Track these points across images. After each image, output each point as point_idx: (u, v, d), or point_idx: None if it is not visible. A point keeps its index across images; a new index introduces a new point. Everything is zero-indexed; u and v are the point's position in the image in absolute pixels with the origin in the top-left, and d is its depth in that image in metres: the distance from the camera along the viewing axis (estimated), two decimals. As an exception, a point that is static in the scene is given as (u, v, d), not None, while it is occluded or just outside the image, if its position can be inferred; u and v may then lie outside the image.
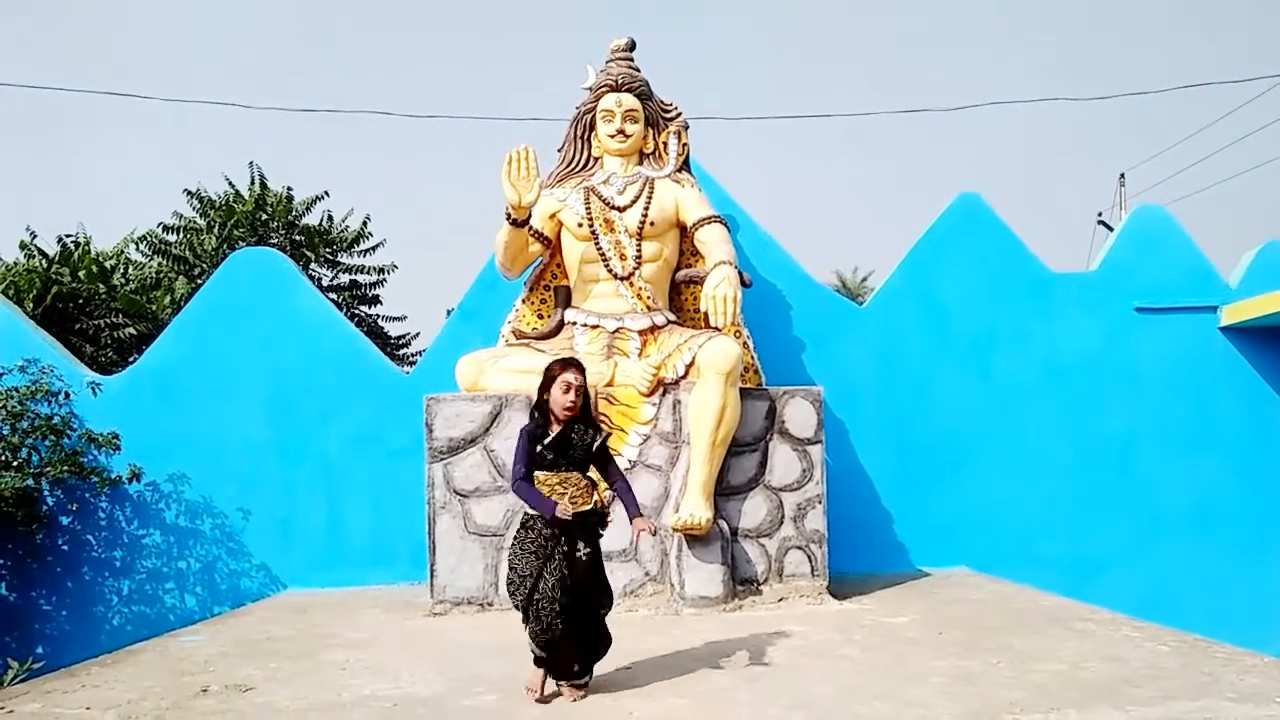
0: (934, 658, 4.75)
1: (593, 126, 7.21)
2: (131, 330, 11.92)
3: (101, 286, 12.15)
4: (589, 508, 4.12)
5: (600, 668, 4.40)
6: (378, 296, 15.43)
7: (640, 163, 7.20)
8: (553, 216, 7.06)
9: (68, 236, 12.71)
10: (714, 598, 6.03)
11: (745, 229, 8.08)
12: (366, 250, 15.27)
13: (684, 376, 6.35)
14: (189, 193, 14.28)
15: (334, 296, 14.68)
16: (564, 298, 7.13)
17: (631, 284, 6.85)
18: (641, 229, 6.86)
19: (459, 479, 6.32)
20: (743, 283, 6.50)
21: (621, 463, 6.28)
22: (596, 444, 4.21)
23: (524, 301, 7.37)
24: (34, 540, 7.43)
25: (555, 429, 4.14)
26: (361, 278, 15.18)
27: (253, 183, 14.52)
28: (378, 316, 15.50)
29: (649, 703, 4.07)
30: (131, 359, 10.34)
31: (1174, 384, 8.17)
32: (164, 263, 14.13)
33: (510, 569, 4.15)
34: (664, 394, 6.40)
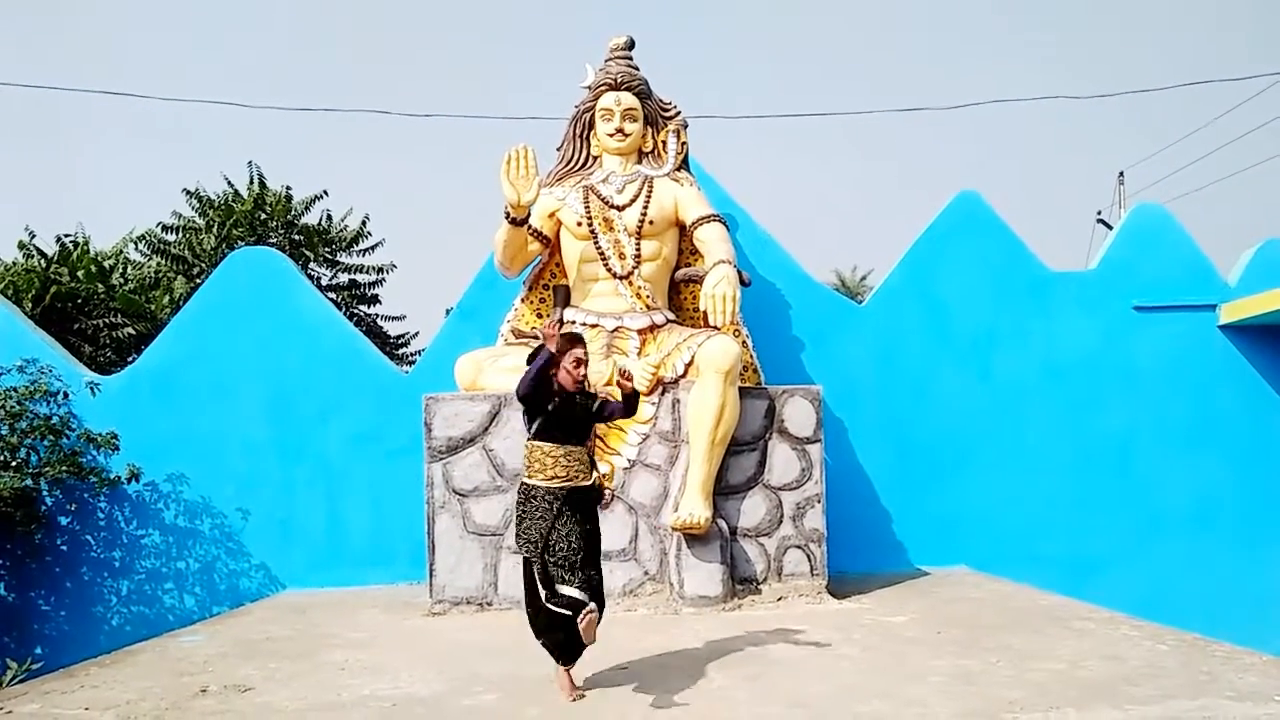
0: (933, 657, 4.75)
1: (592, 125, 7.21)
2: (130, 330, 11.90)
3: (100, 286, 12.13)
4: (588, 484, 4.21)
5: (599, 668, 4.40)
6: (377, 296, 15.41)
7: (639, 161, 7.19)
8: (552, 215, 7.06)
9: (66, 236, 12.69)
10: (713, 597, 6.03)
11: (744, 228, 8.08)
12: (365, 250, 15.25)
13: (683, 375, 6.35)
14: (188, 192, 14.26)
15: (333, 296, 14.66)
16: (563, 297, 7.12)
17: (630, 283, 6.85)
18: (640, 228, 6.86)
19: (458, 478, 6.32)
20: (742, 282, 6.49)
21: (620, 462, 6.31)
22: (595, 406, 4.30)
23: (523, 301, 7.37)
24: (33, 540, 7.42)
25: (557, 398, 4.18)
26: (360, 277, 15.15)
27: (251, 182, 14.49)
28: (377, 316, 15.48)
29: (648, 702, 4.07)
30: (130, 359, 10.33)
31: (1173, 382, 8.17)
32: (163, 262, 14.10)
33: (522, 535, 4.15)
34: (663, 393, 6.39)
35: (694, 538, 6.07)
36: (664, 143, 7.23)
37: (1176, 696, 3.96)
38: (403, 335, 15.93)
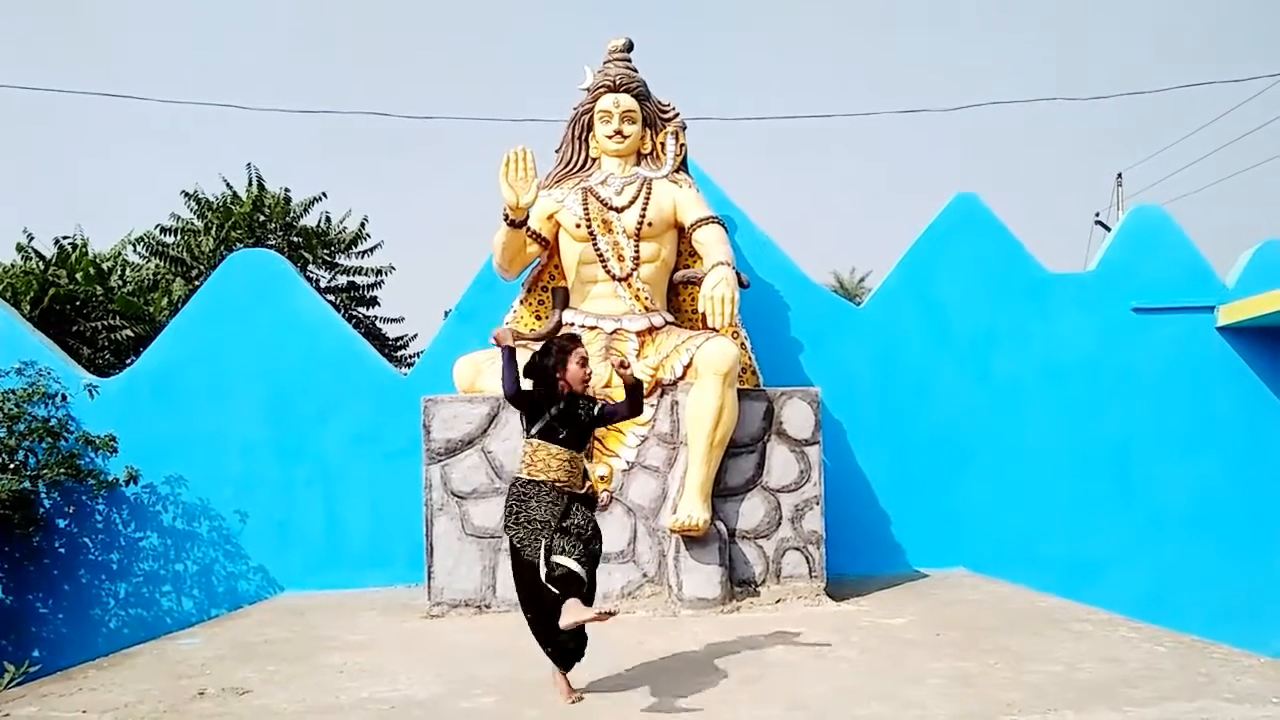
0: (931, 659, 4.75)
1: (590, 127, 7.21)
2: (129, 332, 11.90)
3: (99, 288, 12.12)
4: (583, 491, 4.19)
5: (598, 669, 4.40)
6: (375, 298, 15.42)
7: (638, 163, 7.20)
8: (550, 217, 7.06)
9: (65, 238, 12.70)
10: (712, 599, 6.02)
11: (743, 229, 8.08)
12: (364, 251, 15.26)
13: (682, 377, 6.35)
14: (186, 194, 14.26)
15: (331, 298, 14.67)
16: (561, 298, 7.12)
17: (629, 285, 6.85)
18: (639, 230, 6.86)
19: (456, 480, 6.32)
20: (740, 283, 6.50)
21: (619, 464, 6.31)
22: (596, 409, 4.29)
23: (522, 303, 7.37)
24: (30, 543, 7.41)
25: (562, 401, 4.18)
26: (359, 279, 15.16)
27: (250, 184, 14.49)
28: (375, 318, 15.49)
29: (646, 704, 4.07)
30: (129, 361, 10.31)
31: (1171, 384, 8.18)
32: (161, 264, 14.10)
33: (527, 523, 4.05)
34: (662, 395, 6.39)
35: (692, 540, 6.07)
36: (663, 144, 7.24)
37: (1174, 698, 3.96)
38: (401, 337, 15.94)
